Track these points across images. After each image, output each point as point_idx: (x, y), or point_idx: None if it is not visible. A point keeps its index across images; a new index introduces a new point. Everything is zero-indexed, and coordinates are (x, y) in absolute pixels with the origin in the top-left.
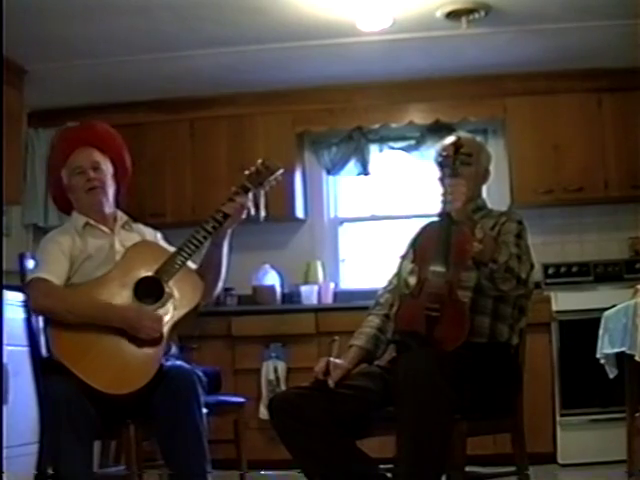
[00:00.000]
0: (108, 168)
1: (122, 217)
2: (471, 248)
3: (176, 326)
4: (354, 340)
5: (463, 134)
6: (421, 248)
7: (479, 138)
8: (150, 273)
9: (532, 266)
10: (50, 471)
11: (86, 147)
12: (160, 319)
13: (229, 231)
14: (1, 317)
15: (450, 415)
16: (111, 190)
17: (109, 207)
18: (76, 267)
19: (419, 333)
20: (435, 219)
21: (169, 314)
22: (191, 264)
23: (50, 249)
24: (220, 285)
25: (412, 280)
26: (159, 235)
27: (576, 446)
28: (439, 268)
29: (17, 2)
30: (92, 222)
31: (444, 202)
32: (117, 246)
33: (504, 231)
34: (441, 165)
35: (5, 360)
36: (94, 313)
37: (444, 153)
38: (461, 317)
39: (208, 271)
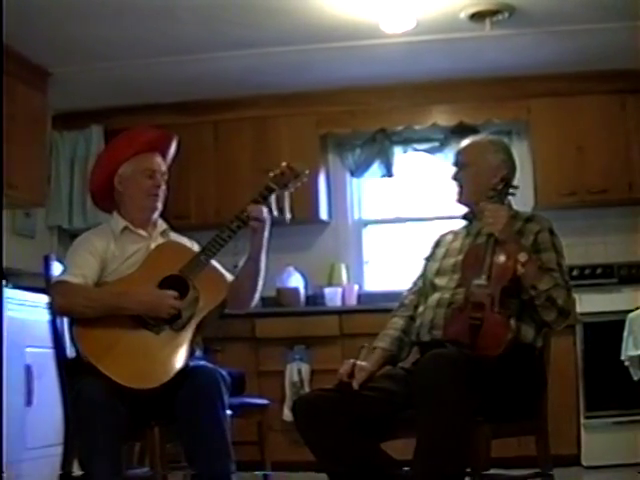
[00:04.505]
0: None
1: (162, 225)
2: (512, 265)
3: (202, 324)
4: (378, 342)
5: (469, 140)
6: (467, 266)
7: (496, 139)
8: (175, 272)
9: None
10: (77, 472)
11: (158, 154)
12: (175, 294)
13: (264, 242)
14: (1, 317)
15: (468, 416)
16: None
17: (156, 215)
18: (111, 270)
19: (462, 342)
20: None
21: (194, 311)
22: (217, 265)
23: (79, 250)
24: (257, 296)
25: (439, 281)
26: (196, 246)
27: (600, 448)
28: (482, 281)
29: (42, 5)
30: (131, 227)
31: (486, 224)
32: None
33: (542, 243)
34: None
35: (30, 362)
36: (110, 303)
37: (498, 187)
38: (502, 326)
39: (245, 282)
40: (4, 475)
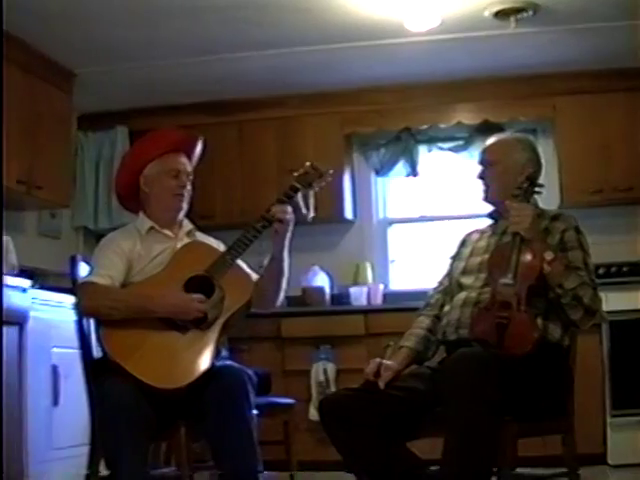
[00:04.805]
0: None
1: (187, 225)
2: (539, 264)
3: (228, 324)
4: (404, 341)
5: (495, 138)
6: (493, 265)
7: (522, 136)
8: (200, 272)
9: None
10: (103, 472)
11: (183, 154)
12: (201, 298)
13: (286, 243)
14: (0, 313)
15: (495, 415)
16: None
17: (181, 216)
18: (137, 270)
19: (489, 341)
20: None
21: (220, 311)
22: (243, 264)
23: (105, 251)
24: (282, 295)
25: (465, 280)
26: (222, 246)
27: (626, 447)
28: (508, 280)
29: (66, 7)
30: (157, 227)
31: (511, 223)
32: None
33: (568, 242)
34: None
35: (56, 362)
36: (137, 305)
37: (523, 185)
38: (528, 325)
39: (269, 282)
40: (30, 475)
